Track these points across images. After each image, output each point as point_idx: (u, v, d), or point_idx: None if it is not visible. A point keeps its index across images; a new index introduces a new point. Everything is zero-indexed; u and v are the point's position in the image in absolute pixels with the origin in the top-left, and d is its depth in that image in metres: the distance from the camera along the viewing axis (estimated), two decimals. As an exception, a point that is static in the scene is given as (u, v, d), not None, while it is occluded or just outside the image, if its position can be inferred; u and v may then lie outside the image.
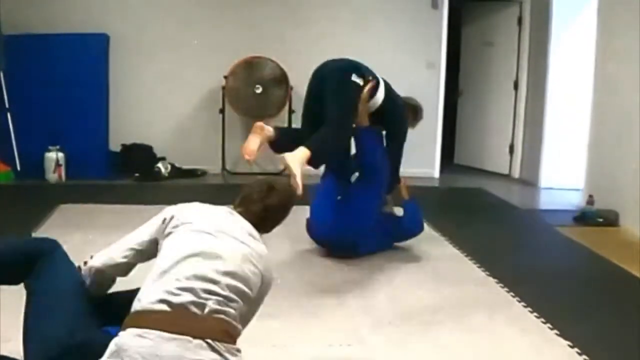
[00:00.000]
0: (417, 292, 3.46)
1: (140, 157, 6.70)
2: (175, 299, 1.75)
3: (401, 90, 4.10)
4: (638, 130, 4.99)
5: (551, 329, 2.98)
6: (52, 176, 6.25)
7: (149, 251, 2.06)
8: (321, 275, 3.71)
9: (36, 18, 6.42)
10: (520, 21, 7.30)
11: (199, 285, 1.79)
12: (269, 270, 2.03)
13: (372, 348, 2.74)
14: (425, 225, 4.57)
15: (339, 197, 4.07)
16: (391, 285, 3.57)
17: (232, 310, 1.81)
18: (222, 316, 1.78)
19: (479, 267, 3.95)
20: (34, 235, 4.12)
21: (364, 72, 3.86)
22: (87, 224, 4.59)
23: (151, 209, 5.58)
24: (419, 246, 4.30)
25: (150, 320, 1.73)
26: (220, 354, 1.72)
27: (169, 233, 2.00)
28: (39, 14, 6.47)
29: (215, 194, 5.91)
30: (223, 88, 6.68)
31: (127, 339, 1.70)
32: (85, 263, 2.17)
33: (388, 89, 4.06)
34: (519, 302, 3.33)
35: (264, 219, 2.20)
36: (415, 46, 7.18)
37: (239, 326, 1.85)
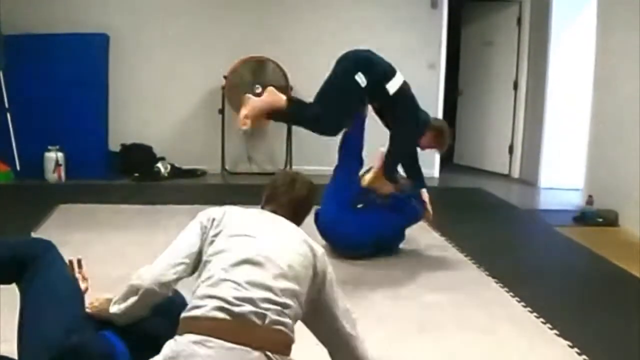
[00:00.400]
0: (417, 292, 3.46)
1: (140, 157, 6.70)
2: (235, 309, 1.73)
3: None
4: (638, 130, 4.99)
5: (551, 329, 2.98)
6: (51, 176, 6.25)
7: (196, 263, 1.96)
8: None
9: (36, 18, 6.42)
10: (519, 21, 7.30)
11: (256, 294, 1.76)
12: (319, 259, 1.94)
13: (372, 347, 2.73)
14: (426, 225, 4.57)
15: (360, 205, 4.11)
16: (391, 285, 3.57)
17: (289, 320, 1.79)
18: (281, 327, 1.76)
19: (478, 267, 3.95)
20: (33, 235, 4.12)
21: (369, 71, 3.79)
22: (86, 224, 4.59)
23: (151, 209, 5.57)
24: (419, 246, 4.30)
25: (210, 327, 1.71)
26: None
27: (212, 241, 1.95)
28: (39, 14, 6.47)
29: (215, 194, 5.92)
30: (223, 88, 6.68)
31: (186, 345, 1.68)
32: (73, 262, 2.14)
33: (407, 87, 3.92)
34: (519, 302, 3.33)
35: (296, 208, 2.17)
36: (415, 46, 7.18)
37: (294, 336, 1.84)
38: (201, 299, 1.78)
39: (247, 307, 1.73)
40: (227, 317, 1.72)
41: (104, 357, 1.84)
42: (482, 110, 7.87)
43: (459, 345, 2.79)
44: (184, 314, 1.79)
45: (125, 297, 1.93)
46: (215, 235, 1.95)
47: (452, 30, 7.51)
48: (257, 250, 1.86)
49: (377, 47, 6.93)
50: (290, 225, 2.05)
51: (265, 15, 6.97)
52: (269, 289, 1.78)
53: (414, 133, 4.04)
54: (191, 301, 1.81)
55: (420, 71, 7.17)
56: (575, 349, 2.75)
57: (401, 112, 3.93)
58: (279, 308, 1.77)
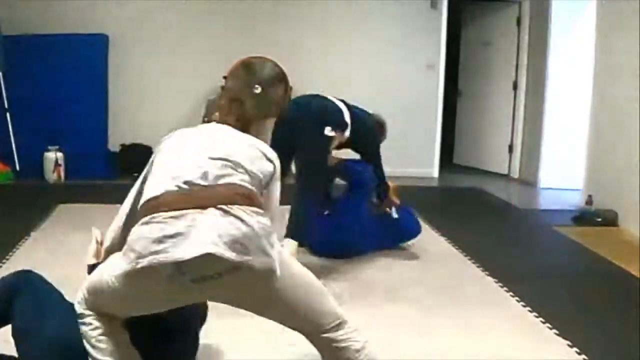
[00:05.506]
0: (416, 292, 3.46)
1: (139, 157, 6.68)
2: (182, 184, 1.76)
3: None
4: (637, 130, 4.99)
5: (550, 328, 2.99)
6: (51, 176, 6.24)
7: None
8: (316, 274, 3.70)
9: (35, 19, 6.41)
10: (519, 21, 7.31)
11: (194, 165, 1.82)
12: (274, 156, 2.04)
13: (370, 347, 2.73)
14: (425, 225, 4.58)
15: (326, 212, 4.00)
16: (389, 285, 3.57)
17: (242, 176, 1.80)
18: (230, 180, 1.78)
19: (478, 266, 3.95)
20: (32, 234, 4.14)
21: (333, 122, 3.72)
22: (86, 224, 4.56)
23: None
24: (418, 245, 4.30)
25: (155, 205, 1.73)
26: (236, 217, 1.69)
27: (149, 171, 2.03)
28: (38, 14, 6.46)
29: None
30: (222, 88, 6.65)
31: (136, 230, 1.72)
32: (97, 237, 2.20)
33: (353, 112, 3.89)
34: (518, 301, 3.34)
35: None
36: (414, 46, 7.18)
37: (257, 191, 1.84)
38: (150, 189, 1.84)
39: (194, 176, 1.76)
40: (175, 189, 1.75)
41: None
42: (482, 110, 7.87)
43: (458, 345, 2.80)
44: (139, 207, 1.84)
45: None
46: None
47: (452, 31, 7.51)
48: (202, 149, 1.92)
49: (376, 47, 7.04)
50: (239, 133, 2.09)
51: (265, 15, 6.96)
52: (209, 158, 1.83)
53: (374, 132, 4.12)
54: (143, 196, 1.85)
55: (419, 71, 7.19)
56: (575, 349, 2.75)
57: (359, 125, 3.90)
58: (229, 163, 1.81)
